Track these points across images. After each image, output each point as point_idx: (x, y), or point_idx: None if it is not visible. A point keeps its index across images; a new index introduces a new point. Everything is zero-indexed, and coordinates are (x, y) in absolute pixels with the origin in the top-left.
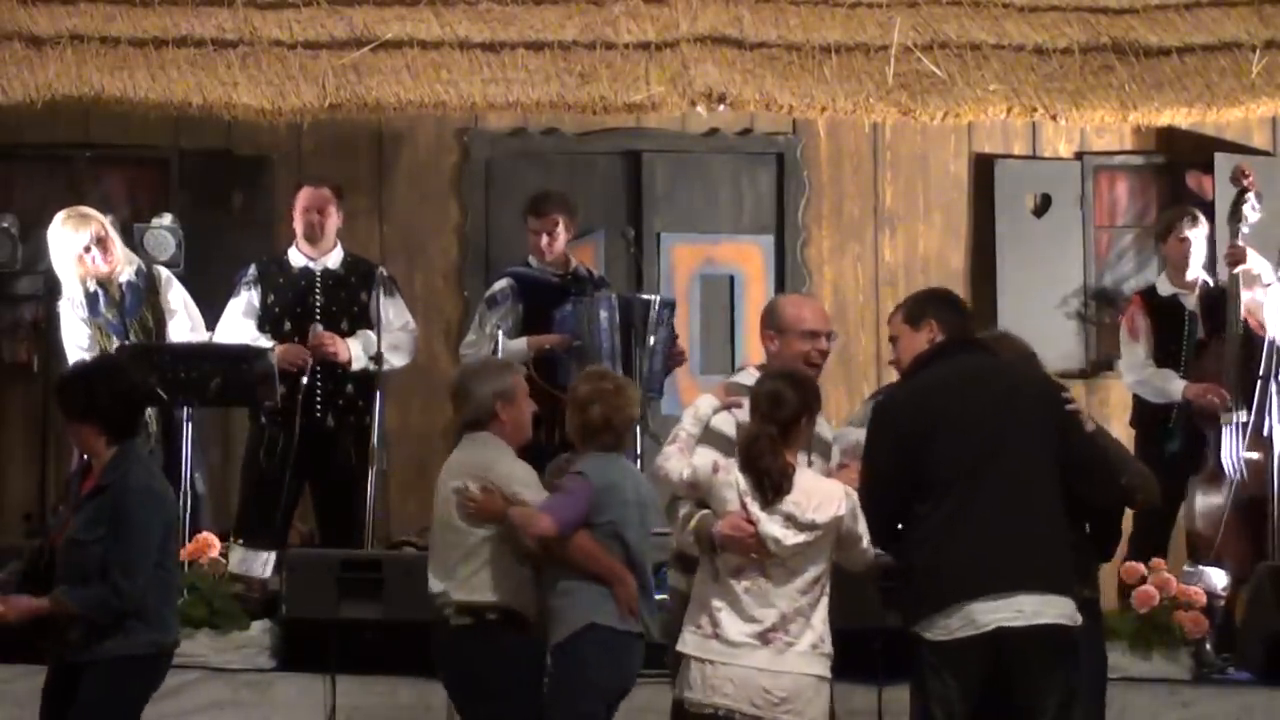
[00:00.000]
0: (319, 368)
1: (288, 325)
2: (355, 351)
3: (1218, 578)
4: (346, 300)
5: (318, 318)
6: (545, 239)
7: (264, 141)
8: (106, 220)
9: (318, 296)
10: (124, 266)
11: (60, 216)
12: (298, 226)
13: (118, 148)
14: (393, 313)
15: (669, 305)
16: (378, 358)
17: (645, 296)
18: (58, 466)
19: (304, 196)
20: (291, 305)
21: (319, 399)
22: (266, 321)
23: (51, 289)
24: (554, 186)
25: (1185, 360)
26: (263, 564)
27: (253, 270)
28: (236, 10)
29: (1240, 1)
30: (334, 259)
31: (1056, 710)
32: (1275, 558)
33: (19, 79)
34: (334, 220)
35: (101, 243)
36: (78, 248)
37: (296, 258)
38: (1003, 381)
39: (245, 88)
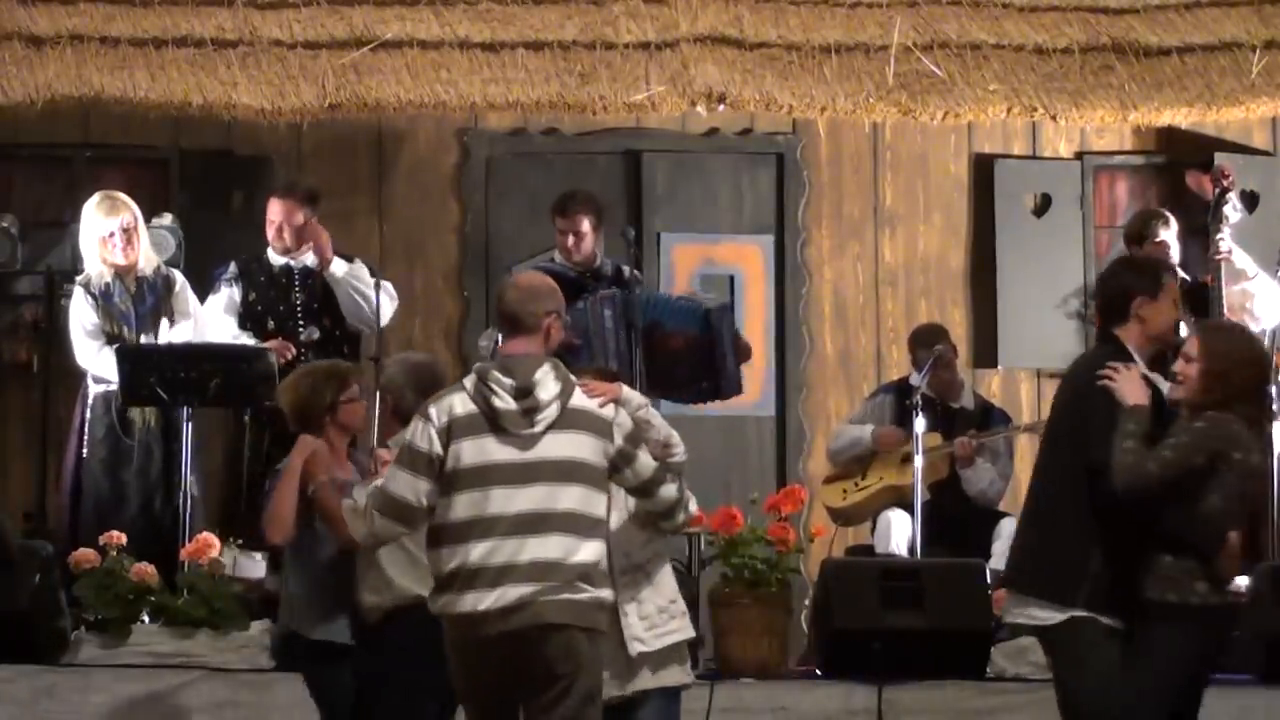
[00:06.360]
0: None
1: (271, 324)
2: (340, 268)
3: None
4: (327, 297)
5: (299, 316)
6: (571, 239)
7: (264, 141)
8: (138, 214)
9: (298, 294)
10: (144, 263)
11: (95, 198)
12: (268, 235)
13: (117, 148)
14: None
15: (726, 310)
16: (377, 359)
17: (694, 299)
18: (58, 465)
19: (270, 208)
20: (274, 304)
21: None
22: (248, 319)
23: (52, 289)
24: (553, 186)
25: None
26: (257, 565)
27: (233, 267)
28: (236, 10)
29: (1240, 1)
30: (313, 257)
31: None
32: (1275, 557)
33: (19, 79)
34: (307, 225)
35: (127, 233)
36: (103, 231)
37: (276, 256)
38: None
39: (245, 88)
